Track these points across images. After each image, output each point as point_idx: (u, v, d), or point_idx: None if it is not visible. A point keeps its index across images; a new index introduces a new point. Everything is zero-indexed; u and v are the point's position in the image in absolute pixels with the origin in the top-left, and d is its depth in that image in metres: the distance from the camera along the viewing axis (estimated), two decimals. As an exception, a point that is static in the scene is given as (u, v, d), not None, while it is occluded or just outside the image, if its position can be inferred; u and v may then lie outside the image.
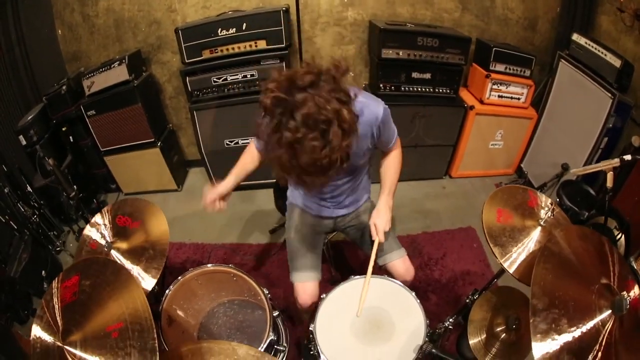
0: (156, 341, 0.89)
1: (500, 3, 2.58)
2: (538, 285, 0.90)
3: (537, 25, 2.68)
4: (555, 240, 1.03)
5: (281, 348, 1.47)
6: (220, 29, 2.30)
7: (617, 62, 2.10)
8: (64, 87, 2.42)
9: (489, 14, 2.61)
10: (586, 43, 2.31)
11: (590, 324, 0.88)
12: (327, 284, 2.13)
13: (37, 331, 0.98)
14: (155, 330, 0.90)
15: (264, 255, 2.39)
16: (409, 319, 1.28)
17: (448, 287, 2.16)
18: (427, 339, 1.21)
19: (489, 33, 2.67)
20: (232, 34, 2.32)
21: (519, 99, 2.69)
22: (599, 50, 2.22)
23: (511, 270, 1.21)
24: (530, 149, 2.90)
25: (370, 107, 1.24)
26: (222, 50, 2.38)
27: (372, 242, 1.42)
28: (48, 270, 2.15)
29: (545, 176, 2.62)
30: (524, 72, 2.60)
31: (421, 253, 2.36)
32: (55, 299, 1.03)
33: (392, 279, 1.42)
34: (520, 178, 2.97)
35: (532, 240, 1.27)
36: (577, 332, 0.86)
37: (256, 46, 2.38)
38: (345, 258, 2.36)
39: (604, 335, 0.87)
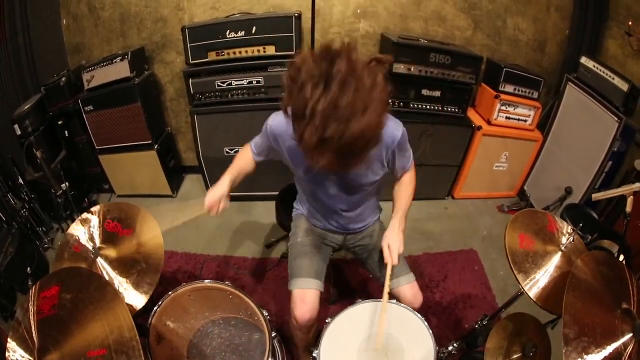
0: None
1: (512, 24, 2.57)
2: (569, 314, 0.88)
3: (546, 47, 2.68)
4: (579, 267, 1.01)
5: (277, 372, 1.38)
6: (228, 31, 2.24)
7: (624, 86, 2.10)
8: (63, 79, 2.33)
9: (500, 34, 2.61)
10: (594, 66, 2.32)
11: (613, 345, 0.90)
12: (325, 304, 2.06)
13: (12, 346, 0.88)
14: None
15: (259, 270, 2.29)
16: (418, 346, 1.22)
17: (449, 310, 2.10)
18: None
19: (500, 53, 2.67)
20: (240, 36, 2.25)
21: (525, 120, 2.67)
22: (606, 74, 2.23)
23: (532, 294, 1.16)
24: (533, 172, 2.87)
25: (389, 129, 1.18)
26: (228, 53, 2.31)
27: (384, 265, 1.33)
28: (34, 267, 2.05)
29: (547, 199, 2.60)
30: (532, 93, 2.59)
31: (422, 274, 2.29)
32: (32, 309, 0.93)
33: (401, 304, 1.35)
34: (522, 201, 2.94)
35: (552, 265, 1.23)
36: (602, 354, 0.88)
37: (264, 51, 2.31)
38: (345, 277, 2.28)
39: (625, 357, 0.90)
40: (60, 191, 1.78)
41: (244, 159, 1.44)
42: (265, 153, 1.39)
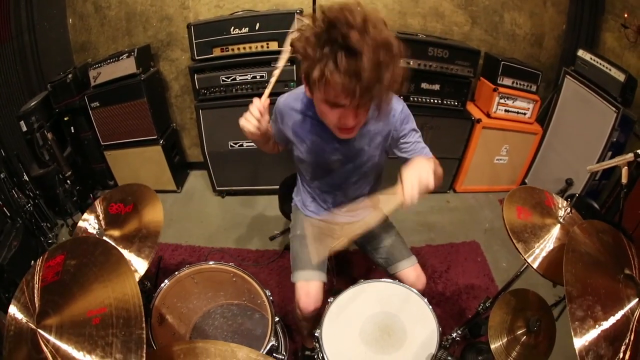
0: (144, 331, 0.78)
1: (509, 18, 2.61)
2: (570, 272, 0.89)
3: (543, 41, 2.71)
4: (577, 233, 1.03)
5: (280, 357, 1.38)
6: (233, 28, 2.29)
7: (621, 77, 2.13)
8: (69, 76, 2.38)
9: (497, 29, 2.65)
10: (591, 59, 2.35)
11: (621, 312, 0.90)
12: (329, 294, 2.05)
13: (13, 311, 0.89)
14: (144, 320, 0.80)
15: (263, 262, 2.31)
16: (421, 327, 1.22)
17: (452, 301, 2.11)
18: (440, 347, 1.16)
19: (497, 48, 2.70)
20: (244, 33, 2.30)
21: (524, 114, 2.69)
22: (603, 66, 2.25)
23: (535, 266, 1.17)
24: (534, 165, 2.89)
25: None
26: (233, 49, 2.36)
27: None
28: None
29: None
30: (531, 87, 2.62)
31: (425, 266, 2.29)
32: (35, 279, 0.93)
33: (404, 285, 1.35)
34: (524, 195, 2.94)
35: (552, 237, 1.24)
36: (611, 320, 0.87)
37: (268, 47, 2.36)
38: (347, 267, 2.28)
39: (633, 323, 0.90)
40: (69, 172, 1.81)
41: None
42: (279, 136, 1.38)
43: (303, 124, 1.27)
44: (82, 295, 0.87)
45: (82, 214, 1.44)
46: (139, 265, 1.23)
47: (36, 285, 0.93)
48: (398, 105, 1.23)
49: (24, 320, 0.86)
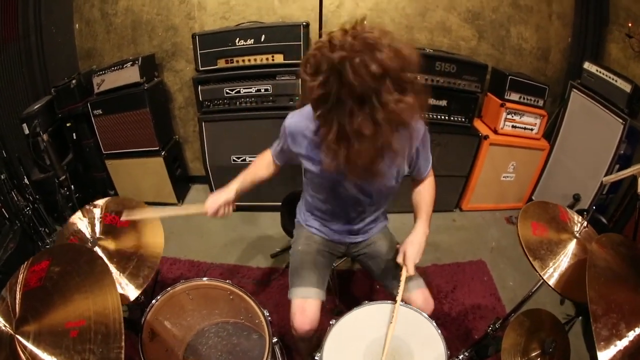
0: (122, 351, 0.75)
1: (515, 33, 2.60)
2: (594, 289, 0.85)
3: (549, 55, 2.69)
4: (595, 249, 1.00)
5: (277, 380, 1.30)
6: (238, 39, 2.28)
7: (627, 87, 2.10)
8: (73, 82, 2.37)
9: (504, 44, 2.63)
10: (597, 70, 2.33)
11: None
12: (331, 315, 1.97)
13: None
14: (123, 337, 0.77)
15: (263, 280, 2.24)
16: (428, 351, 1.14)
17: (458, 321, 2.03)
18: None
19: (504, 63, 2.68)
20: (249, 44, 2.29)
21: (532, 129, 2.65)
22: (609, 77, 2.23)
23: (551, 283, 1.11)
24: (541, 181, 2.83)
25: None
26: (237, 61, 2.35)
27: (399, 274, 1.26)
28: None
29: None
30: (538, 102, 2.58)
31: (431, 286, 2.18)
32: (19, 283, 0.92)
33: (409, 306, 1.27)
34: (532, 213, 2.88)
35: (568, 253, 1.19)
36: (632, 334, 0.85)
37: (273, 60, 2.34)
38: (351, 288, 2.21)
39: None
40: (63, 177, 1.77)
41: (261, 163, 1.43)
42: (283, 156, 1.36)
43: (317, 146, 1.19)
44: (62, 305, 0.84)
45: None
46: (131, 291, 1.19)
47: (19, 290, 0.90)
48: (422, 125, 1.19)
49: (4, 324, 0.84)
